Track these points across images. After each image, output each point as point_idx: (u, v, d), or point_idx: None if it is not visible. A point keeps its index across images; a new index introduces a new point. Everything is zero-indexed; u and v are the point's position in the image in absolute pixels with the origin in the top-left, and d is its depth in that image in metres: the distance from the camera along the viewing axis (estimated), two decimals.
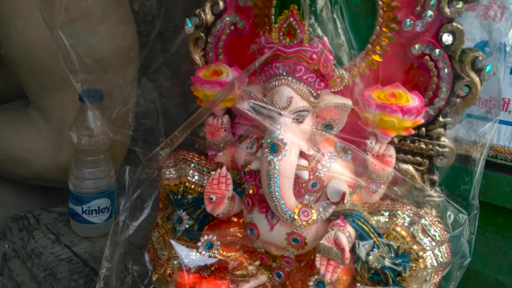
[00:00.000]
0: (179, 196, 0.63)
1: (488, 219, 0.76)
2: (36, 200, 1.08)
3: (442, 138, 0.57)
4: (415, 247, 0.56)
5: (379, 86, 0.56)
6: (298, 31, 0.47)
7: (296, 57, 0.48)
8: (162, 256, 0.64)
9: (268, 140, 0.50)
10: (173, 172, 0.64)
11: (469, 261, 0.60)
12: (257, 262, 0.59)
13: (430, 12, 0.51)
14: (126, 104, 0.61)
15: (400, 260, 0.55)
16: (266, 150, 0.50)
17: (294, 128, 0.51)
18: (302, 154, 0.52)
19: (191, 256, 0.58)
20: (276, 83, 0.49)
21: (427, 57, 0.53)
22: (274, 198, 0.51)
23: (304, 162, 0.53)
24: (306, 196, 0.53)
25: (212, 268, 0.59)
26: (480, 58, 0.51)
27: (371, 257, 0.54)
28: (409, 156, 0.59)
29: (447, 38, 0.52)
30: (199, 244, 0.59)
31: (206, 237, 0.60)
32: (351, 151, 0.57)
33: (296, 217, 0.51)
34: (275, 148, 0.49)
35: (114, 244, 0.66)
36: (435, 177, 0.59)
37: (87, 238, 0.90)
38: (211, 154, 0.63)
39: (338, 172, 0.55)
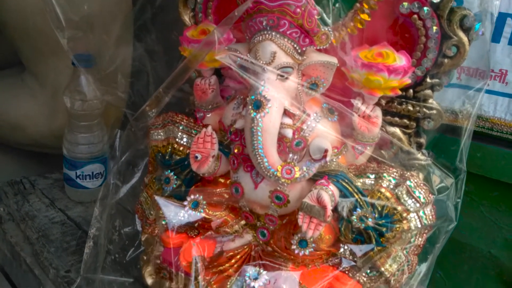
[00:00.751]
0: (167, 157, 0.63)
1: (483, 193, 0.75)
2: (33, 166, 1.09)
3: (430, 100, 0.57)
4: (399, 208, 0.56)
5: (366, 45, 0.55)
6: None
7: (280, 11, 0.47)
8: (149, 216, 0.64)
9: (252, 97, 0.50)
10: (161, 133, 0.65)
11: (454, 226, 0.60)
12: (243, 222, 0.60)
13: None
14: (113, 63, 0.60)
15: (383, 221, 0.55)
16: (250, 107, 0.50)
17: (278, 85, 0.50)
18: (286, 113, 0.52)
19: (177, 216, 0.58)
20: (260, 38, 0.49)
21: (415, 15, 0.53)
22: (257, 156, 0.51)
23: (288, 121, 0.53)
24: (290, 155, 0.53)
25: (196, 224, 0.60)
26: (468, 16, 0.51)
27: (354, 216, 0.54)
28: (396, 119, 0.58)
29: None
30: (185, 203, 0.60)
31: (192, 196, 0.60)
32: (337, 112, 0.57)
33: (279, 174, 0.51)
34: (258, 104, 0.49)
35: (104, 205, 0.67)
36: (422, 140, 0.59)
37: (81, 203, 0.91)
38: (199, 116, 0.63)
39: (323, 132, 0.55)
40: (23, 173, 1.02)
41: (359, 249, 0.54)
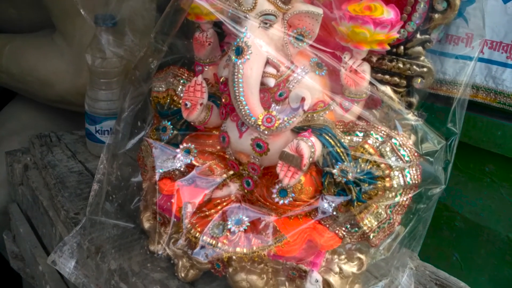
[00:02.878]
0: (165, 108, 0.66)
1: (504, 173, 0.73)
2: (64, 123, 1.16)
3: (421, 58, 0.56)
4: (382, 165, 0.56)
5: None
6: None
7: None
8: (148, 163, 0.68)
9: (234, 43, 0.51)
10: (162, 85, 0.68)
11: (442, 188, 0.59)
12: (231, 172, 0.62)
13: None
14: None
15: (365, 176, 0.55)
16: (231, 53, 0.51)
17: (261, 32, 0.52)
18: (270, 62, 0.53)
19: (168, 161, 0.61)
20: None
21: None
22: (239, 102, 0.52)
23: (272, 70, 0.54)
24: (273, 105, 0.55)
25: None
26: None
27: (335, 170, 0.55)
28: (387, 76, 0.58)
29: None
30: (177, 150, 0.63)
31: (185, 144, 0.63)
32: (326, 67, 0.58)
33: (259, 122, 0.53)
34: (239, 50, 0.51)
35: (110, 152, 0.71)
36: (413, 100, 0.59)
37: (100, 157, 0.96)
38: (198, 70, 0.66)
39: (309, 85, 0.56)
40: (54, 129, 1.09)
41: (333, 201, 0.55)
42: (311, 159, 0.54)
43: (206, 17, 0.62)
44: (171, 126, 0.65)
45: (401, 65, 0.57)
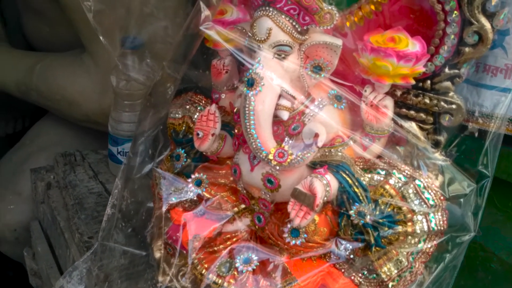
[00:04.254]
0: (180, 135, 0.64)
1: None
2: (91, 142, 1.17)
3: (450, 93, 0.52)
4: (404, 208, 0.52)
5: (381, 30, 0.52)
6: None
7: None
8: (160, 191, 0.66)
9: (247, 74, 0.49)
10: (179, 112, 0.66)
11: (472, 236, 0.54)
12: (242, 206, 0.59)
13: None
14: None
15: (384, 219, 0.51)
16: (243, 84, 0.49)
17: (275, 64, 0.49)
18: (284, 95, 0.50)
19: (180, 192, 0.59)
20: (258, 14, 0.48)
21: None
22: (250, 135, 0.50)
23: (286, 103, 0.51)
24: (286, 139, 0.52)
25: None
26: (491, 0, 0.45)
27: (352, 211, 0.51)
28: (412, 112, 0.54)
29: None
30: (189, 180, 0.60)
31: (197, 174, 0.60)
32: (346, 100, 0.54)
33: (271, 157, 0.50)
34: (251, 82, 0.48)
35: (125, 177, 0.70)
36: (441, 138, 0.54)
37: None
38: (215, 97, 0.64)
39: (326, 119, 0.52)
40: (82, 147, 1.10)
41: (349, 247, 0.51)
42: (325, 198, 0.50)
43: (224, 45, 0.60)
44: (185, 155, 0.63)
45: (427, 101, 0.52)
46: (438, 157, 0.54)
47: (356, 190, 0.52)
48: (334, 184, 0.51)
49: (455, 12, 0.47)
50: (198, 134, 0.56)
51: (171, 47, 0.53)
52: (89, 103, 1.01)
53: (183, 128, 0.65)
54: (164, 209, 0.58)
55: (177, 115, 0.66)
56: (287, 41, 0.48)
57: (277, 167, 0.50)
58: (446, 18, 0.48)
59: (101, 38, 0.63)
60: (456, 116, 0.52)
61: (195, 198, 0.60)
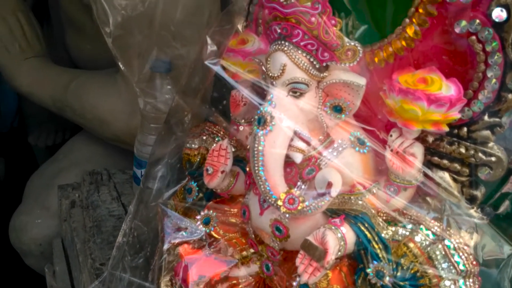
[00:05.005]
0: (194, 167, 0.61)
1: None
2: (121, 161, 1.17)
3: (490, 144, 0.45)
4: (429, 271, 0.45)
5: (412, 69, 0.46)
6: None
7: (294, 19, 0.42)
8: (179, 223, 0.63)
9: (258, 112, 0.45)
10: (196, 142, 0.63)
11: None
12: (251, 250, 0.54)
13: None
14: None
15: (406, 283, 0.45)
16: (254, 123, 0.45)
17: (289, 102, 0.45)
18: (299, 135, 0.46)
19: (182, 229, 0.56)
20: (273, 48, 0.44)
21: (473, 37, 0.42)
22: (258, 177, 0.46)
23: (301, 144, 0.46)
24: (299, 183, 0.47)
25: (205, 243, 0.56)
26: None
27: (370, 269, 0.46)
28: (446, 161, 0.48)
29: (498, 14, 0.41)
30: (198, 217, 0.57)
31: (206, 211, 0.57)
32: (371, 144, 0.49)
33: (280, 203, 0.45)
34: (262, 121, 0.44)
35: (138, 205, 0.67)
36: (477, 193, 0.48)
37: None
38: (233, 129, 0.60)
39: (346, 163, 0.47)
40: (112, 165, 1.10)
41: None
42: (339, 253, 0.45)
43: (243, 76, 0.56)
44: (197, 188, 0.60)
45: (463, 150, 0.46)
46: (473, 214, 0.48)
47: (375, 246, 0.46)
48: (350, 237, 0.46)
49: (498, 53, 0.42)
50: (207, 170, 0.53)
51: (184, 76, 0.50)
52: (118, 123, 1.01)
53: (198, 159, 0.61)
54: (165, 247, 0.55)
55: (193, 145, 0.63)
56: (303, 78, 0.44)
57: (287, 215, 0.46)
58: (487, 60, 0.42)
59: (119, 63, 0.61)
60: (495, 170, 0.45)
61: (203, 237, 0.56)
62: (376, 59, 0.49)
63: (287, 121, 0.45)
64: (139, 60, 0.63)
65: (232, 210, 0.57)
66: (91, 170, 1.03)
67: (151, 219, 0.69)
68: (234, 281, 0.54)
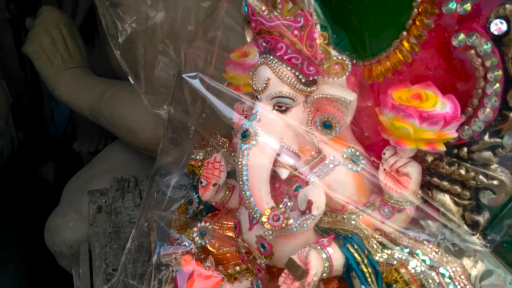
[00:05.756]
0: (196, 179, 0.61)
1: None
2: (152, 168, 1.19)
3: (493, 166, 0.42)
4: None
5: (408, 84, 0.44)
6: (278, 1, 0.40)
7: (278, 32, 0.41)
8: (171, 235, 0.63)
9: (242, 125, 0.44)
10: (200, 154, 0.63)
11: None
12: (244, 266, 0.53)
13: None
14: None
15: None
16: (238, 137, 0.44)
17: (274, 117, 0.44)
18: (286, 151, 0.45)
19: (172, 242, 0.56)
20: (259, 62, 0.43)
21: (472, 51, 0.39)
22: (243, 192, 0.45)
23: (289, 160, 0.45)
24: (285, 199, 0.45)
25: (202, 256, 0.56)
26: None
27: None
28: (445, 183, 0.45)
29: (498, 27, 0.38)
30: (194, 229, 0.56)
31: (203, 224, 0.56)
32: (366, 161, 0.47)
33: (264, 219, 0.44)
34: (246, 135, 0.43)
35: (145, 214, 0.68)
36: (480, 219, 0.44)
37: (165, 210, 0.95)
38: (235, 142, 0.60)
39: (334, 181, 0.45)
40: (143, 172, 1.13)
41: None
42: (324, 274, 0.43)
43: (244, 89, 0.56)
44: (197, 200, 0.60)
45: (463, 172, 0.43)
46: (475, 241, 0.44)
47: (364, 269, 0.44)
48: (338, 258, 0.44)
49: (497, 68, 0.38)
50: (201, 182, 0.53)
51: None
52: (145, 132, 1.03)
53: (201, 171, 0.61)
54: (154, 259, 0.55)
55: (198, 156, 0.63)
56: (287, 92, 0.43)
57: (271, 232, 0.44)
58: (486, 75, 0.39)
59: (129, 75, 0.63)
60: (498, 194, 0.42)
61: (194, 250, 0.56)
62: (374, 74, 0.47)
63: (272, 135, 0.43)
64: (144, 72, 0.65)
65: (229, 223, 0.56)
66: (120, 177, 1.06)
67: (163, 228, 0.70)
68: None
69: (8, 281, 1.23)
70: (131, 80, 0.64)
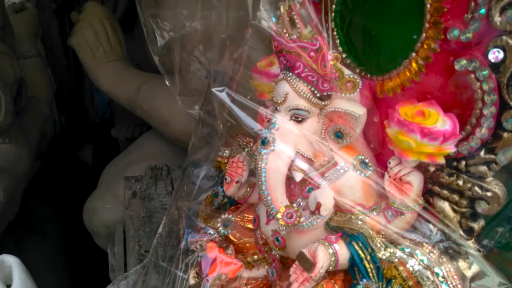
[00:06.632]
0: (222, 174, 0.67)
1: None
2: (184, 159, 1.27)
3: (488, 179, 0.46)
4: None
5: (414, 101, 0.48)
6: (298, 25, 0.45)
7: (296, 53, 0.46)
8: (198, 223, 0.69)
9: (262, 133, 0.50)
10: (227, 151, 0.69)
11: None
12: (261, 255, 0.59)
13: (477, 23, 0.42)
14: None
15: None
16: (259, 143, 0.50)
17: (291, 126, 0.49)
18: (301, 156, 0.50)
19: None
20: (279, 77, 0.49)
21: (472, 75, 0.44)
22: (261, 191, 0.51)
23: (303, 165, 0.50)
24: (299, 200, 0.51)
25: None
26: None
27: (360, 286, 0.49)
28: (445, 192, 0.49)
29: (495, 55, 0.42)
30: (219, 219, 0.63)
31: (227, 215, 0.63)
32: (373, 168, 0.52)
33: (279, 216, 0.50)
34: (265, 141, 0.49)
35: (176, 203, 0.75)
36: (475, 226, 0.48)
37: (194, 199, 1.02)
38: (255, 147, 0.65)
39: (343, 185, 0.51)
40: (177, 162, 1.20)
41: None
42: (330, 267, 0.49)
43: (269, 95, 0.61)
44: (223, 194, 0.66)
45: (460, 183, 0.47)
46: (470, 245, 0.49)
47: (366, 265, 0.49)
48: (344, 253, 0.49)
49: (494, 92, 0.42)
50: (226, 179, 0.59)
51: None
52: (178, 125, 1.10)
53: (226, 168, 0.68)
54: (182, 245, 0.62)
55: (224, 154, 0.69)
56: (303, 105, 0.48)
57: (284, 227, 0.50)
58: (484, 98, 0.43)
59: (165, 78, 0.70)
60: (491, 205, 0.46)
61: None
62: (385, 88, 0.51)
63: (288, 143, 0.49)
64: (179, 76, 0.71)
65: (249, 216, 0.62)
66: (154, 165, 1.14)
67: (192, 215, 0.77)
68: (245, 281, 0.59)
69: (48, 257, 1.33)
70: (167, 83, 0.70)
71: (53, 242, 1.40)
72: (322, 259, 0.48)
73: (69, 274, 1.30)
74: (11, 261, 0.84)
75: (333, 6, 0.54)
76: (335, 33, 0.55)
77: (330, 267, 0.49)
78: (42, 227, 1.38)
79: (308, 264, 0.48)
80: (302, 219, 0.49)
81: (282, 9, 0.46)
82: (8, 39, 1.07)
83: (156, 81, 1.18)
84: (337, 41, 0.55)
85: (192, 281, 0.71)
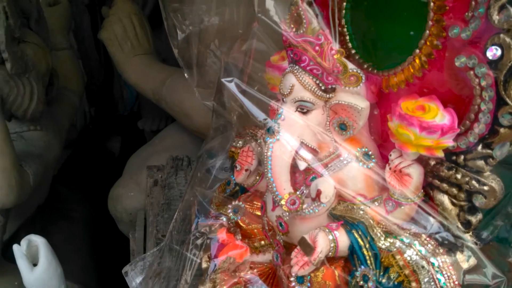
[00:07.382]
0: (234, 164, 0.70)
1: None
2: None
3: (486, 173, 0.47)
4: (413, 284, 0.49)
5: (416, 96, 0.50)
6: (304, 21, 0.47)
7: (302, 47, 0.49)
8: (211, 210, 0.73)
9: (269, 123, 0.53)
10: (240, 142, 0.72)
11: None
12: (267, 241, 0.62)
13: (477, 21, 0.43)
14: None
15: None
16: (265, 132, 0.53)
17: (296, 117, 0.51)
18: (305, 147, 0.53)
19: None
20: (287, 70, 0.51)
21: (471, 72, 0.45)
22: (267, 179, 0.53)
23: (306, 155, 0.53)
24: (302, 188, 0.54)
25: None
26: None
27: (358, 272, 0.51)
28: (445, 185, 0.51)
29: (493, 53, 0.43)
30: (229, 205, 0.66)
31: (237, 202, 0.66)
32: (376, 160, 0.54)
33: (283, 202, 0.52)
34: (271, 131, 0.52)
35: (191, 189, 0.78)
36: (472, 219, 0.50)
37: (211, 189, 1.05)
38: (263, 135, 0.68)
39: (348, 175, 0.53)
40: (195, 154, 1.24)
41: None
42: (330, 253, 0.51)
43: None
44: (234, 182, 0.69)
45: (459, 176, 0.49)
46: (468, 238, 0.50)
47: (365, 252, 0.51)
48: (344, 241, 0.51)
49: (491, 89, 0.44)
50: (236, 167, 0.62)
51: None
52: (199, 117, 1.14)
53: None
54: (193, 228, 0.65)
55: (238, 144, 0.72)
56: (308, 98, 0.50)
57: (287, 213, 0.53)
58: (482, 94, 0.45)
59: (184, 71, 0.73)
60: (488, 199, 0.47)
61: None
62: (390, 84, 0.53)
63: (293, 133, 0.51)
64: (197, 68, 0.74)
65: (258, 204, 0.65)
66: (175, 155, 1.18)
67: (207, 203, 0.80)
68: (251, 265, 0.62)
69: (73, 240, 1.39)
70: (185, 75, 0.74)
71: (79, 227, 1.46)
72: (322, 245, 0.50)
73: (93, 257, 1.36)
74: (38, 241, 0.89)
75: (344, 4, 0.56)
76: (345, 29, 0.57)
77: (330, 253, 0.51)
78: (69, 212, 1.45)
79: (308, 249, 0.51)
80: (304, 206, 0.51)
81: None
82: (41, 31, 1.13)
83: (179, 75, 1.22)
84: (347, 37, 0.57)
85: (204, 265, 0.74)
